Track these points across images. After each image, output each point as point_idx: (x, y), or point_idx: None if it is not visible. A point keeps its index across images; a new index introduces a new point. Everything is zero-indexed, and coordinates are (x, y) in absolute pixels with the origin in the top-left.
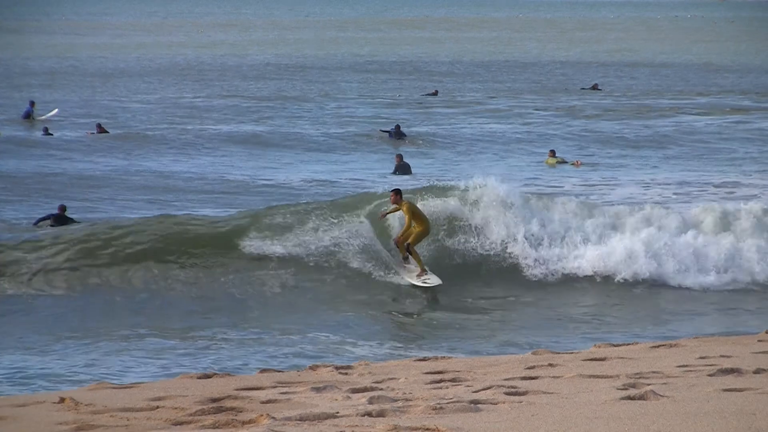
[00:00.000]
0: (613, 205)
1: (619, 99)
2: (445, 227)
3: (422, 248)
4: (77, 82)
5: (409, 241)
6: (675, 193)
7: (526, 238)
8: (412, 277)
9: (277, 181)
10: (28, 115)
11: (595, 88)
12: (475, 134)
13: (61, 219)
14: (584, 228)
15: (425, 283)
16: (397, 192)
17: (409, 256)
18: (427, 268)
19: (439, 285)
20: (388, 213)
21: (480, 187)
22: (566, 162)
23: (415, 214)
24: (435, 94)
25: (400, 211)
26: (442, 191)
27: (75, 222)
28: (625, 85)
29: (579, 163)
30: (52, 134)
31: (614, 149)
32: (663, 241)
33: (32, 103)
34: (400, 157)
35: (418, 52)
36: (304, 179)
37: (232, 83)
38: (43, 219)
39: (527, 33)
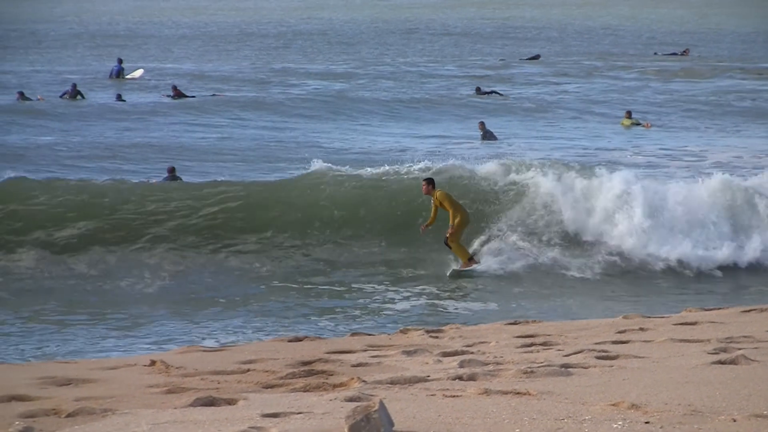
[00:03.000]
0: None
1: (707, 64)
2: (520, 198)
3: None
4: (155, 44)
5: (447, 234)
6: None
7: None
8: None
9: (362, 145)
10: (118, 74)
11: (686, 53)
12: (558, 95)
13: (171, 180)
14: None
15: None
16: (430, 181)
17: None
18: (474, 258)
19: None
20: (429, 225)
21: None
22: (640, 124)
23: (450, 204)
24: (537, 58)
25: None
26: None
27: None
28: (710, 50)
29: (649, 125)
30: (124, 100)
31: (693, 113)
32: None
33: (120, 61)
34: (482, 124)
35: (503, 16)
36: (390, 144)
37: (316, 47)
38: None
39: None
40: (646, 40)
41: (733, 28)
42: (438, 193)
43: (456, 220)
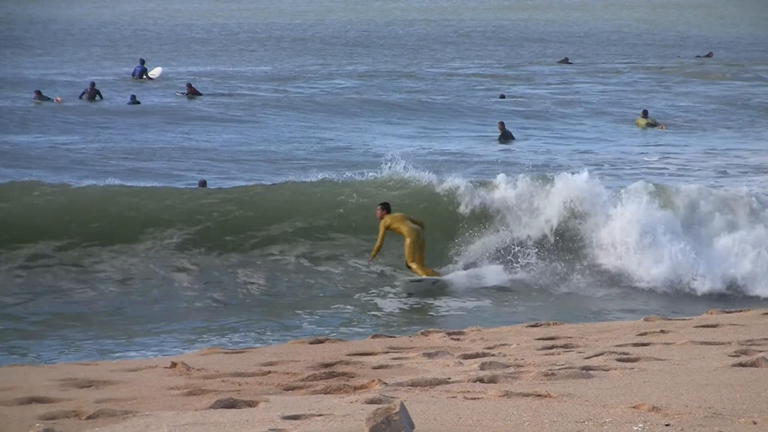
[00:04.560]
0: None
1: (729, 66)
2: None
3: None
4: (171, 45)
5: (406, 257)
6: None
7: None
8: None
9: (380, 146)
10: (141, 74)
11: (710, 56)
12: (576, 95)
13: None
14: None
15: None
16: (385, 206)
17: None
18: (438, 272)
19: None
20: (375, 254)
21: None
22: (657, 125)
23: (381, 232)
24: (566, 60)
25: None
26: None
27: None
28: (731, 53)
29: (663, 126)
30: (139, 102)
31: (713, 114)
32: None
33: (142, 61)
34: (502, 124)
35: (522, 18)
36: (412, 146)
37: (332, 49)
38: None
39: None
40: (666, 42)
41: (751, 31)
42: (383, 221)
43: (406, 244)
